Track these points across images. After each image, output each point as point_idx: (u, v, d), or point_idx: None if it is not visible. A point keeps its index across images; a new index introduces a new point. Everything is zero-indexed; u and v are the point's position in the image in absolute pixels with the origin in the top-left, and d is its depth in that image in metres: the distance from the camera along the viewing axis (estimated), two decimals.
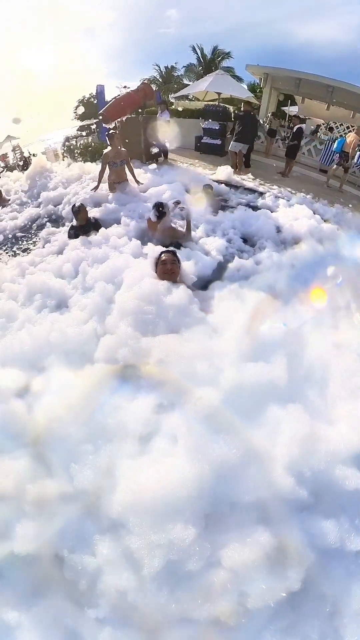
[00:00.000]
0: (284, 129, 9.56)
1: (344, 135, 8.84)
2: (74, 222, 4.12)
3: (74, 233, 3.97)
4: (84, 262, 3.24)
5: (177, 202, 3.79)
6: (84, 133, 12.97)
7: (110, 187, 4.95)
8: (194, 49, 18.56)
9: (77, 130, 14.23)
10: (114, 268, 2.95)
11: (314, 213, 5.26)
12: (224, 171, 6.44)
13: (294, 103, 13.08)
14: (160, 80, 18.80)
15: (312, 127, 11.50)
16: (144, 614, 1.18)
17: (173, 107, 10.12)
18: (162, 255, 2.70)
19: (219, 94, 9.60)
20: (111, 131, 4.99)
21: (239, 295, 2.86)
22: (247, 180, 6.59)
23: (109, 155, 4.85)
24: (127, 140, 6.84)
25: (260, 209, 5.43)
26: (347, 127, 11.38)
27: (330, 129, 11.14)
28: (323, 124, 12.15)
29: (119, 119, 6.71)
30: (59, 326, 2.30)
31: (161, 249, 2.88)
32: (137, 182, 5.04)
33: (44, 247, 4.16)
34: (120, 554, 1.28)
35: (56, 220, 4.92)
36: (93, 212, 4.35)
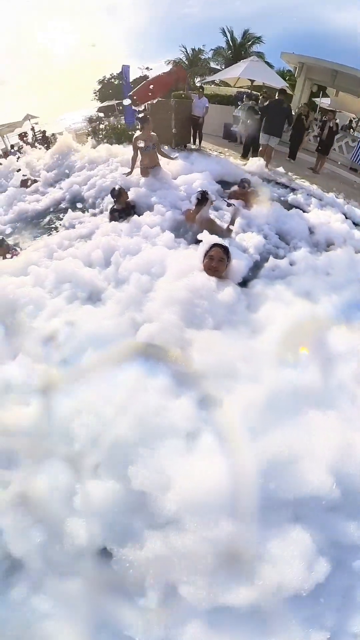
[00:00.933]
0: (316, 122, 9.16)
1: None
2: (115, 205, 4.01)
3: (117, 215, 3.86)
4: (116, 252, 3.08)
5: (229, 205, 3.62)
6: (101, 114, 12.65)
7: (143, 171, 4.79)
8: (223, 32, 17.62)
9: (97, 111, 13.88)
10: (149, 260, 2.82)
11: (345, 217, 5.06)
12: (256, 163, 6.19)
13: (325, 95, 12.56)
14: (187, 62, 18.08)
15: (345, 122, 11.02)
16: (193, 605, 1.24)
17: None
18: (212, 249, 2.54)
19: (251, 81, 9.20)
20: (144, 115, 4.75)
21: (281, 297, 2.78)
22: (279, 174, 6.32)
23: (139, 138, 4.68)
24: (160, 124, 6.66)
25: (292, 206, 5.27)
26: None
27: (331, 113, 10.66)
28: (354, 118, 11.67)
29: (148, 102, 6.48)
30: (95, 318, 2.17)
31: (215, 239, 2.70)
32: (172, 158, 5.01)
33: (71, 229, 4.01)
34: (170, 549, 1.32)
35: (82, 203, 4.76)
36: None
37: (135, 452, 1.49)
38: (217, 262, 2.50)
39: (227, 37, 17.57)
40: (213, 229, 3.53)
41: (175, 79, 6.43)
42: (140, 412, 1.61)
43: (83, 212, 4.37)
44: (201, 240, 3.27)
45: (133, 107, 6.01)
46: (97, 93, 18.05)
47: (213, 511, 1.34)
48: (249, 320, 2.40)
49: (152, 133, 4.74)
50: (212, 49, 18.42)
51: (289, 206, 5.29)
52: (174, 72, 6.48)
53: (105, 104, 15.02)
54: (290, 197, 5.50)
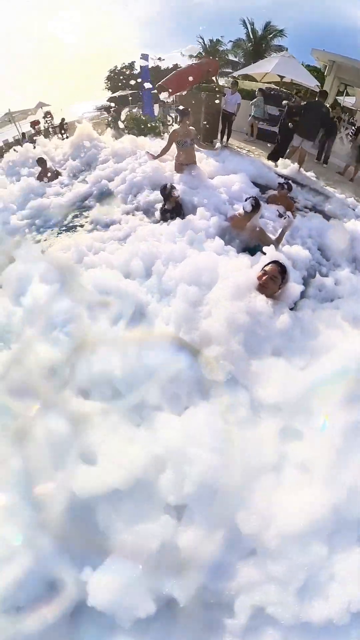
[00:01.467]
0: (344, 125, 8.83)
1: None
2: (166, 205, 3.72)
3: (169, 216, 3.60)
4: (157, 260, 2.82)
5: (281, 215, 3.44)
6: (112, 104, 12.19)
7: (178, 167, 4.50)
8: (244, 23, 17.00)
9: (108, 100, 13.41)
10: (197, 268, 2.54)
11: None
12: (288, 166, 5.89)
13: (348, 94, 12.17)
14: (204, 54, 17.49)
15: None
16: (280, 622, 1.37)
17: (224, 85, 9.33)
18: (270, 264, 2.40)
19: (281, 77, 8.80)
20: (183, 107, 4.43)
21: (334, 323, 2.56)
22: (312, 179, 6.03)
23: (178, 132, 4.37)
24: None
25: (327, 215, 5.01)
26: None
27: None
28: None
29: (177, 93, 6.13)
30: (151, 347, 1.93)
31: (278, 255, 2.56)
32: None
33: (101, 229, 3.72)
34: (260, 574, 1.44)
35: (110, 199, 4.45)
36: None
37: (229, 491, 1.50)
38: (268, 279, 2.34)
39: (247, 29, 17.01)
40: (263, 239, 3.29)
41: (206, 71, 6.07)
42: (224, 448, 1.58)
43: (113, 209, 4.06)
44: (252, 250, 3.05)
45: (161, 98, 5.66)
46: (108, 82, 17.44)
47: (304, 540, 1.45)
48: (306, 347, 2.27)
49: (191, 127, 4.44)
50: (230, 41, 17.81)
51: (325, 216, 5.05)
52: (206, 64, 6.15)
53: (118, 93, 14.50)
54: (327, 207, 5.23)
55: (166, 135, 7.40)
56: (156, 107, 9.35)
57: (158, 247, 2.96)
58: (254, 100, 8.15)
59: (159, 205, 3.83)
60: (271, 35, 17.57)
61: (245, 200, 3.31)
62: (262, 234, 3.26)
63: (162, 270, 2.73)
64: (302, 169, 6.07)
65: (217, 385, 1.85)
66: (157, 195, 4.00)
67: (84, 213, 4.36)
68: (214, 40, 17.66)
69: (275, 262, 2.42)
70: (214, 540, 1.44)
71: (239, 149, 6.78)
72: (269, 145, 7.35)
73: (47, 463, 1.55)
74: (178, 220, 3.33)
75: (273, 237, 3.29)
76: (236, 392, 1.85)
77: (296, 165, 5.93)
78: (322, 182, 6.06)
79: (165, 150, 4.52)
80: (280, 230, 3.33)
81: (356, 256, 4.10)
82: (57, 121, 10.75)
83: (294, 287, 2.51)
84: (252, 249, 3.27)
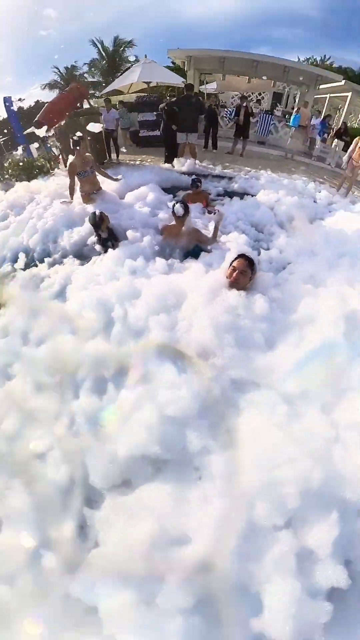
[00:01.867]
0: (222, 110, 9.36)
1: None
2: (101, 234, 3.42)
3: (110, 244, 3.33)
4: (112, 305, 2.54)
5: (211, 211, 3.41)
6: None
7: (85, 198, 4.26)
8: (93, 43, 17.56)
9: None
10: (158, 294, 2.38)
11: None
12: (184, 163, 6.00)
13: (208, 82, 13.00)
14: (62, 82, 17.50)
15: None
16: None
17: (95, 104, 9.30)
18: (236, 259, 2.36)
19: (147, 83, 9.03)
20: (77, 137, 4.18)
21: (301, 288, 2.63)
22: (210, 167, 6.23)
23: (75, 164, 4.14)
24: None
25: (239, 193, 5.19)
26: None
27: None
28: (237, 95, 12.24)
29: (56, 125, 5.92)
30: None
31: (244, 250, 2.56)
32: (116, 179, 4.59)
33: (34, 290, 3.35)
34: None
35: (27, 255, 4.05)
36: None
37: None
38: (238, 274, 2.31)
39: (97, 47, 17.44)
40: (200, 238, 3.24)
41: (78, 96, 5.96)
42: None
43: (37, 265, 3.68)
44: (194, 253, 2.99)
45: (42, 135, 5.42)
46: None
47: None
48: (292, 322, 2.25)
49: (87, 154, 4.25)
50: (85, 63, 18.09)
51: (238, 195, 5.22)
52: (74, 89, 6.01)
53: None
54: (235, 187, 5.43)
55: (58, 171, 7.15)
56: (33, 147, 9.03)
57: (103, 291, 2.69)
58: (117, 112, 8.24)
59: (91, 240, 3.55)
60: (122, 48, 18.17)
61: (173, 205, 3.22)
62: (198, 234, 3.22)
63: (122, 314, 2.49)
64: (197, 162, 6.24)
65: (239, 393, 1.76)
66: (80, 231, 3.74)
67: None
68: (69, 66, 17.86)
69: (241, 255, 2.39)
70: None
71: (131, 162, 6.78)
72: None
73: None
74: (110, 252, 3.11)
75: (209, 235, 3.27)
76: (261, 392, 1.77)
77: (191, 159, 6.06)
78: (219, 167, 6.30)
79: (72, 187, 4.29)
80: (213, 226, 3.31)
81: (282, 221, 4.30)
82: None
83: (263, 275, 2.50)
84: (193, 252, 3.22)
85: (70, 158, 4.19)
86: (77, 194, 4.48)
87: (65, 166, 6.80)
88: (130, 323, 2.34)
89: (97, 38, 17.43)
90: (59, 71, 18.08)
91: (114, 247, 3.23)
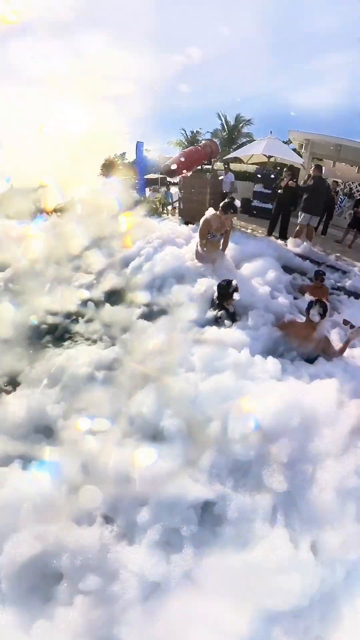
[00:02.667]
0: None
1: None
2: (221, 308, 2.96)
3: (228, 323, 2.85)
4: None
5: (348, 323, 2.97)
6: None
7: (199, 256, 3.91)
8: (219, 116, 19.92)
9: None
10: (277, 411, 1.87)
11: None
12: (299, 244, 5.70)
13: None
14: (186, 143, 19.60)
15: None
16: None
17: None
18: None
19: (268, 157, 9.33)
20: (231, 198, 3.84)
21: None
22: (325, 254, 5.85)
23: (211, 223, 3.69)
24: (194, 198, 6.20)
25: (350, 292, 4.68)
26: None
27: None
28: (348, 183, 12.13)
29: (182, 174, 6.06)
30: None
31: None
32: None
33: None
34: None
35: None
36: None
37: None
38: None
39: (221, 120, 19.62)
40: (328, 350, 2.72)
41: (209, 152, 6.11)
42: None
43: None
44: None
45: (168, 178, 5.52)
46: (103, 169, 18.84)
47: None
48: None
49: (228, 219, 3.77)
50: (208, 131, 20.37)
51: (348, 293, 4.72)
52: (207, 146, 6.18)
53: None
54: (348, 283, 4.93)
55: (167, 215, 7.33)
56: (147, 190, 9.61)
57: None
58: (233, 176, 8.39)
59: (204, 307, 3.07)
60: (241, 124, 20.14)
61: (310, 306, 2.72)
62: (327, 344, 2.71)
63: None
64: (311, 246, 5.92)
65: None
66: (182, 290, 3.39)
67: None
68: (194, 131, 20.04)
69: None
70: None
71: (242, 229, 6.67)
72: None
73: None
74: (232, 333, 2.64)
75: (336, 349, 2.72)
76: None
77: (307, 243, 5.76)
78: (332, 256, 5.89)
79: (204, 244, 3.87)
80: (346, 340, 2.77)
81: None
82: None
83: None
84: (314, 359, 2.68)
85: (207, 214, 3.79)
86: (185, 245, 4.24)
87: (178, 215, 6.96)
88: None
89: (222, 112, 19.62)
90: (185, 133, 20.38)
91: (230, 326, 2.78)
